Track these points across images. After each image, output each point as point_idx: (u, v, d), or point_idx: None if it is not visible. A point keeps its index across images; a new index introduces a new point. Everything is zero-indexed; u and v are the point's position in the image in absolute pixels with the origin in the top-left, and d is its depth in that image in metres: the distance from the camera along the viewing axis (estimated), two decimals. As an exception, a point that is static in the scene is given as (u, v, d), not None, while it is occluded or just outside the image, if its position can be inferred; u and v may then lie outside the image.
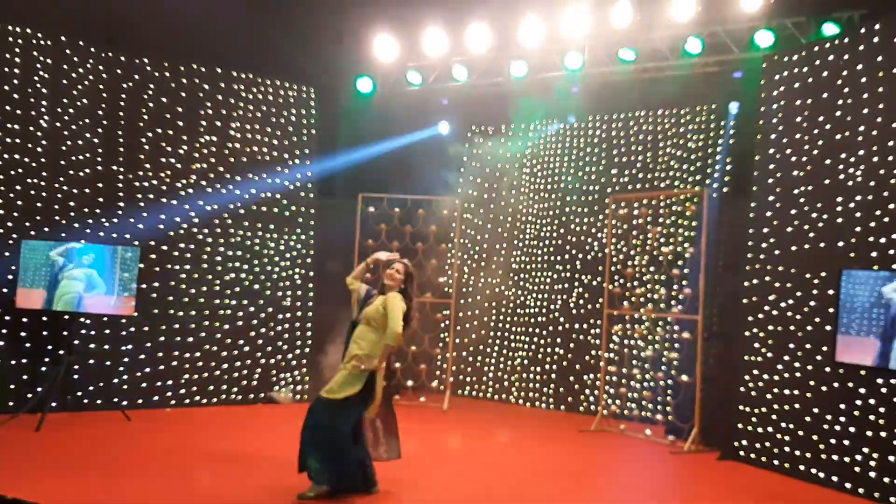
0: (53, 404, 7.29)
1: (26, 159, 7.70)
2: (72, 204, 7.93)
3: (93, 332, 7.94)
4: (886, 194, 6.19)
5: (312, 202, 9.51)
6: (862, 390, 6.16)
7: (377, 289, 5.64)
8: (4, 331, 7.48)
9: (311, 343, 9.30)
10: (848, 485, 6.17)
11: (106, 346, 8.01)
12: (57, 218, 7.83)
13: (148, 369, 8.23)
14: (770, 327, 7.04)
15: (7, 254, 7.47)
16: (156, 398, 8.25)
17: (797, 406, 6.68)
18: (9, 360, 7.46)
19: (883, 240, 6.18)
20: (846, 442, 6.23)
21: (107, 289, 7.47)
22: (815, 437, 6.49)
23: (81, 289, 7.41)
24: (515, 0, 8.87)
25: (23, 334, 7.55)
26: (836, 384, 6.38)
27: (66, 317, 7.60)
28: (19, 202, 7.63)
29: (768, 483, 6.47)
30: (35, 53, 7.83)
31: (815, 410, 6.52)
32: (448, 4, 9.28)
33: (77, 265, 7.43)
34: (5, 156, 7.59)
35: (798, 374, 6.72)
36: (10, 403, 7.35)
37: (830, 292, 6.39)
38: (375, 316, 5.35)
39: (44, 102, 7.84)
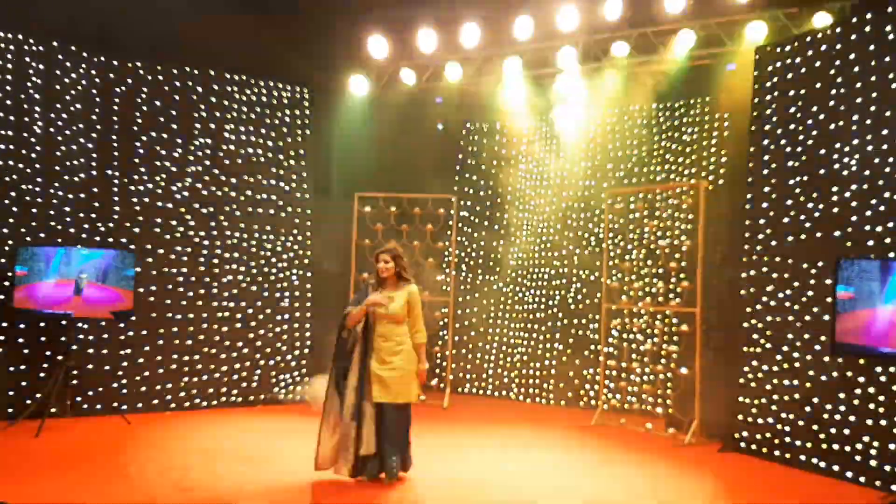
0: (53, 410, 7.28)
1: (20, 165, 7.68)
2: (67, 209, 7.91)
3: (91, 337, 7.93)
4: (881, 183, 6.21)
5: (308, 203, 9.50)
6: (861, 379, 6.17)
7: (373, 283, 5.89)
8: (2, 337, 7.46)
9: (310, 344, 9.30)
10: (849, 474, 6.18)
11: (104, 351, 8.00)
12: (53, 223, 7.81)
13: (147, 373, 8.23)
14: (768, 318, 7.05)
15: (3, 260, 7.46)
16: (155, 402, 8.25)
17: (797, 396, 6.70)
18: (7, 367, 7.45)
19: (879, 228, 6.19)
20: (846, 431, 6.25)
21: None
22: (815, 427, 6.50)
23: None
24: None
25: (21, 340, 7.54)
26: (835, 373, 6.39)
27: (64, 322, 7.58)
28: (14, 208, 7.62)
29: (770, 474, 6.48)
30: (27, 59, 7.81)
31: (815, 400, 6.53)
32: (441, 3, 9.27)
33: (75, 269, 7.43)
34: (-1, 162, 7.60)
35: (797, 364, 6.73)
36: (10, 409, 7.33)
37: (828, 282, 6.40)
38: (400, 312, 5.71)
39: (37, 108, 7.83)
